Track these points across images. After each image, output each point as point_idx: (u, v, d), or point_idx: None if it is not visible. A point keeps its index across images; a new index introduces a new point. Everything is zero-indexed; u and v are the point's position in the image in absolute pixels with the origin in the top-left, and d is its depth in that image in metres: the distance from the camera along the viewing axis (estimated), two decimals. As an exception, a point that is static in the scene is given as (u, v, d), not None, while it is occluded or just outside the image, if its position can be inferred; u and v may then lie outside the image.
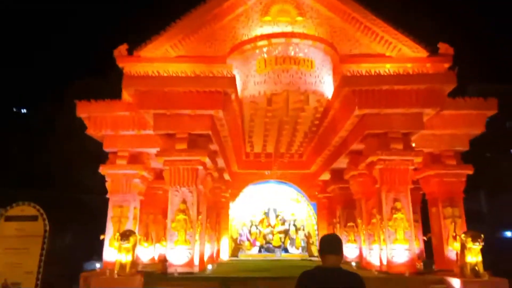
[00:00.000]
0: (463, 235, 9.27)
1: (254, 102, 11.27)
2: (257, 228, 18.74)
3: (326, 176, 16.05)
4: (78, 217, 18.26)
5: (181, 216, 10.38)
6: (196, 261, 10.36)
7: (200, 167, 10.69)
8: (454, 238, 11.51)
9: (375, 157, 10.31)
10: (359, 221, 13.05)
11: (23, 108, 21.89)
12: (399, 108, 10.03)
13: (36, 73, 21.78)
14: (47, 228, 9.21)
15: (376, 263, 11.15)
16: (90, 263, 17.78)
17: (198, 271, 10.35)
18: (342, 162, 13.44)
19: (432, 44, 12.06)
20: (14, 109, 21.79)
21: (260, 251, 18.26)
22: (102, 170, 12.12)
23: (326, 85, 11.25)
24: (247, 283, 9.14)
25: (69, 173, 18.27)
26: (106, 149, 12.25)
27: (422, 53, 11.93)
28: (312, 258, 17.73)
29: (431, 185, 12.23)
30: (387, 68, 11.55)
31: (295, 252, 18.21)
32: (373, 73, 10.15)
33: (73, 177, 18.07)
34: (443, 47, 11.82)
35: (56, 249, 17.13)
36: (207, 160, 10.77)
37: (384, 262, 10.19)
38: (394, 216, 10.13)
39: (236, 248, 18.36)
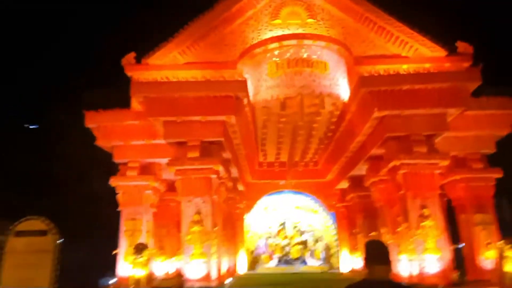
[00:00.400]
0: (500, 243, 8.55)
1: (267, 107, 10.85)
2: (274, 240, 18.09)
3: (344, 184, 15.44)
4: (93, 231, 17.96)
5: (196, 228, 9.92)
6: (214, 275, 9.85)
7: (214, 176, 10.26)
8: (487, 246, 10.85)
9: (398, 162, 9.72)
10: (382, 230, 12.35)
11: (33, 125, 22.00)
12: (421, 108, 9.49)
13: (43, 86, 21.84)
14: (57, 243, 8.89)
15: (405, 274, 10.45)
16: (105, 279, 17.40)
17: (216, 285, 9.83)
18: (360, 169, 12.84)
19: (449, 43, 11.51)
20: (25, 125, 21.90)
21: (278, 263, 17.57)
22: (113, 182, 11.80)
23: (342, 88, 10.78)
24: (265, 298, 8.58)
25: (81, 185, 18.06)
26: (116, 160, 11.95)
27: (440, 52, 11.36)
28: (333, 271, 17.02)
29: (458, 191, 11.56)
30: (404, 69, 11.01)
31: (314, 264, 17.46)
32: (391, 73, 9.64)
33: (86, 189, 17.84)
34: (462, 46, 11.22)
35: (69, 265, 16.89)
36: (220, 168, 10.35)
37: (414, 274, 9.49)
38: (422, 224, 9.47)
39: (254, 261, 17.70)
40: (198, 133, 10.10)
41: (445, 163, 9.78)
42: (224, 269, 12.05)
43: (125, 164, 12.05)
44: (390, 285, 2.78)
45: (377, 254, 2.85)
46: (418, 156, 9.63)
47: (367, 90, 9.43)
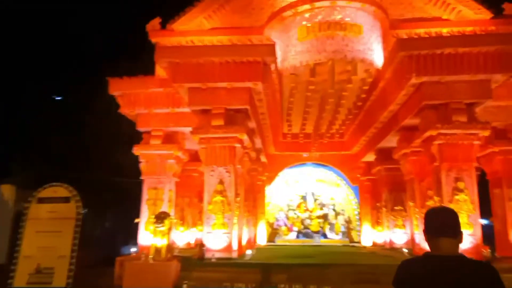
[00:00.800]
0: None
1: (295, 74, 10.30)
2: (294, 213, 17.94)
3: (370, 157, 14.93)
4: (118, 201, 18.08)
5: (218, 198, 9.69)
6: (235, 246, 9.67)
7: (238, 145, 9.92)
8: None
9: (435, 131, 9.14)
10: (410, 204, 11.90)
11: (59, 96, 21.92)
12: (463, 74, 8.80)
13: (67, 57, 21.59)
14: (80, 210, 8.76)
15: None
16: (128, 247, 17.64)
17: (237, 256, 9.67)
18: (390, 141, 12.30)
19: (495, 5, 10.61)
20: (52, 97, 21.85)
21: (297, 236, 17.47)
22: (136, 150, 11.61)
23: (376, 53, 10.11)
24: (291, 270, 8.34)
25: (105, 156, 18.04)
26: (140, 128, 11.72)
27: (485, 14, 10.47)
28: (354, 244, 16.83)
29: (494, 164, 10.97)
30: (445, 32, 10.23)
31: (334, 238, 17.29)
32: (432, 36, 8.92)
33: (110, 160, 17.82)
34: (509, 8, 10.34)
35: (95, 233, 17.12)
36: (245, 137, 9.98)
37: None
38: (456, 197, 8.98)
39: (273, 233, 17.64)
40: (223, 101, 9.70)
41: (486, 133, 9.15)
42: (244, 240, 11.90)
43: (148, 132, 11.83)
44: (459, 261, 2.17)
45: (443, 224, 2.24)
46: (457, 126, 9.01)
47: (406, 53, 8.77)
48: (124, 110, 11.29)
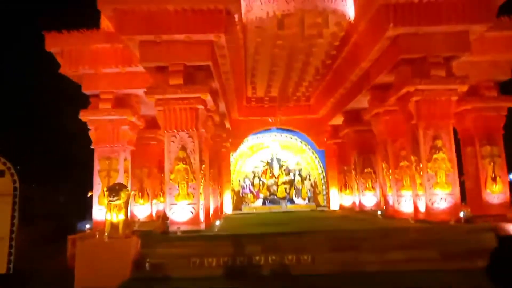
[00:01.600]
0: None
1: (261, 27, 9.29)
2: (260, 180, 17.39)
3: (337, 120, 14.42)
4: (72, 173, 16.56)
5: (181, 166, 8.74)
6: (202, 217, 8.86)
7: (201, 107, 8.90)
8: (494, 180, 10.23)
9: (412, 87, 8.58)
10: (383, 165, 11.52)
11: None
12: (442, 25, 8.20)
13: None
14: (17, 184, 7.53)
15: (408, 210, 9.78)
16: (84, 223, 16.37)
17: (205, 228, 8.88)
18: (360, 102, 11.74)
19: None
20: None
21: (264, 203, 17.00)
22: (83, 116, 10.28)
23: (348, 5, 9.26)
24: (265, 240, 7.67)
25: (51, 121, 16.22)
26: (86, 91, 10.34)
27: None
28: (322, 209, 16.61)
29: (466, 121, 10.69)
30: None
31: (301, 203, 17.00)
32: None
33: (54, 126, 16.07)
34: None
35: (46, 210, 15.64)
36: (208, 98, 8.96)
37: (422, 210, 8.76)
38: (435, 156, 8.59)
39: (239, 201, 17.08)
40: (181, 56, 8.55)
41: (464, 88, 8.72)
42: (211, 211, 11.12)
43: (96, 96, 10.47)
44: None
45: None
46: (435, 81, 8.49)
47: (383, 1, 7.97)
48: (66, 70, 9.82)
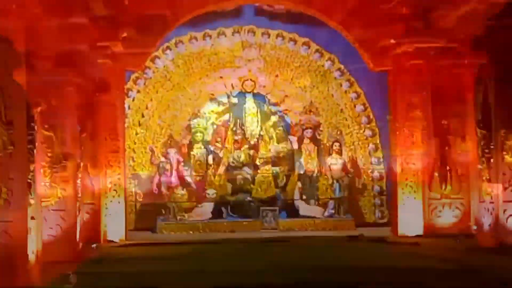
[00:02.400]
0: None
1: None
2: (210, 152, 9.83)
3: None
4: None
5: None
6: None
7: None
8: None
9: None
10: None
11: None
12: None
13: None
14: None
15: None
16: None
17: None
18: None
19: None
20: None
21: (218, 213, 9.45)
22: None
23: None
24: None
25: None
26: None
27: None
28: (379, 236, 9.32)
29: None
30: None
31: (315, 214, 9.36)
32: None
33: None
34: None
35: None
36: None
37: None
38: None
39: (150, 207, 9.42)
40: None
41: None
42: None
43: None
44: None
45: None
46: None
47: None
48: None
